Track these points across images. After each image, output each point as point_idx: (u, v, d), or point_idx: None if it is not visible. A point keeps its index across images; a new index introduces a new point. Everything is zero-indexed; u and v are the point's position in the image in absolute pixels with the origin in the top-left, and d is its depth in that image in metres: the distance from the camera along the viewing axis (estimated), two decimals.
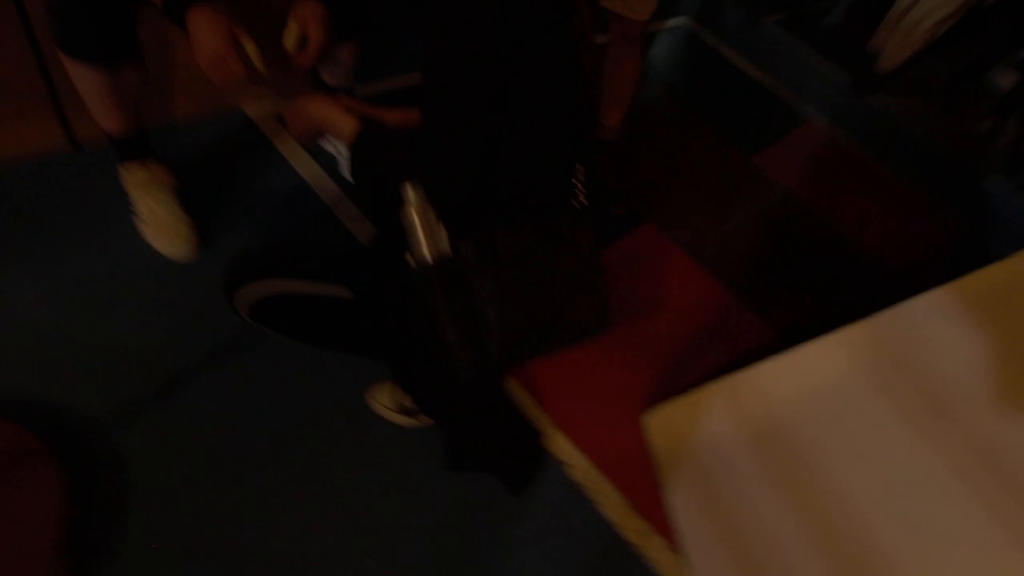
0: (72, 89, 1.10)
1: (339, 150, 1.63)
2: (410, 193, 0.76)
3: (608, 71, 1.65)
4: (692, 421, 1.25)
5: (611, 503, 1.25)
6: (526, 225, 0.80)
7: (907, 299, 0.91)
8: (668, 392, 1.38)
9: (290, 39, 0.99)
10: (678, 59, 2.76)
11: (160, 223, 1.26)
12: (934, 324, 0.88)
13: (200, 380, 1.15)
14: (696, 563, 1.18)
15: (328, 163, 1.62)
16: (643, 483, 1.29)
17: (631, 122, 1.79)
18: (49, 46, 1.14)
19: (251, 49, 0.94)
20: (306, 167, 1.59)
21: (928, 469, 0.84)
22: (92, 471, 1.01)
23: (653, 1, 1.50)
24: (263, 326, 1.02)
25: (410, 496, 1.15)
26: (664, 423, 1.33)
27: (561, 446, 1.30)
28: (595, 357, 1.49)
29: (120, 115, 1.16)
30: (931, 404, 0.86)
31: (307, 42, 0.99)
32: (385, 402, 1.20)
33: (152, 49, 1.35)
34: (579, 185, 0.85)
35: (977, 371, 0.81)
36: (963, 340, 0.84)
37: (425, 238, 0.76)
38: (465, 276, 0.76)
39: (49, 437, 0.98)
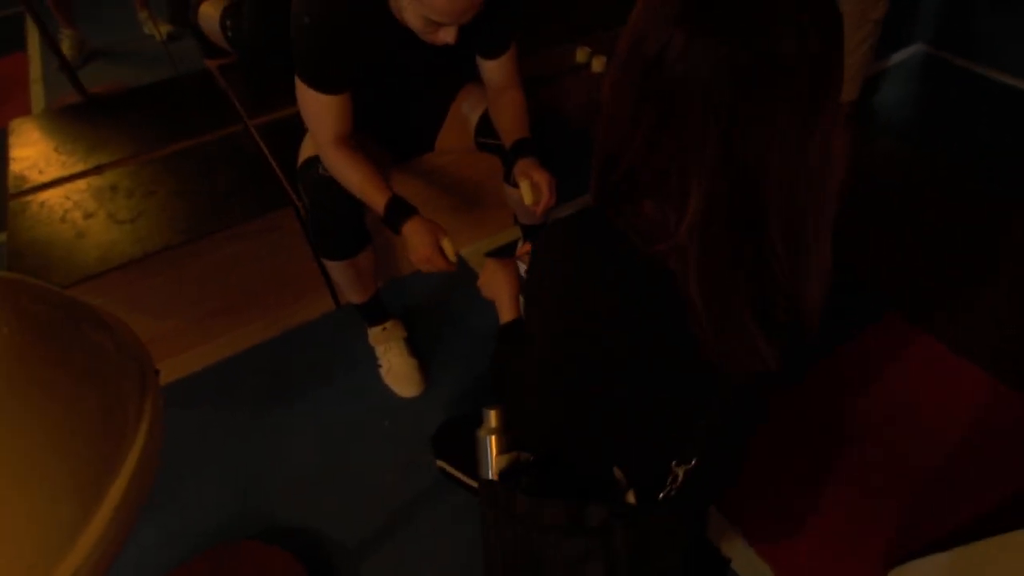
0: None
1: None
2: (491, 419, 0.79)
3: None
4: None
5: None
6: (555, 500, 0.71)
7: None
8: (925, 537, 1.14)
9: (528, 196, 1.23)
10: (913, 98, 2.38)
11: (396, 372, 1.53)
12: None
13: (427, 509, 1.34)
14: None
15: None
16: None
17: (857, 187, 1.60)
18: None
19: (448, 248, 1.17)
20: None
21: None
22: None
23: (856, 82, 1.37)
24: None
25: None
26: None
27: None
28: (829, 483, 1.30)
29: (361, 288, 1.47)
30: None
31: (542, 194, 1.22)
32: None
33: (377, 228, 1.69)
34: (671, 480, 0.76)
35: None
36: None
37: (491, 464, 0.78)
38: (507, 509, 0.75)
39: (313, 565, 1.23)
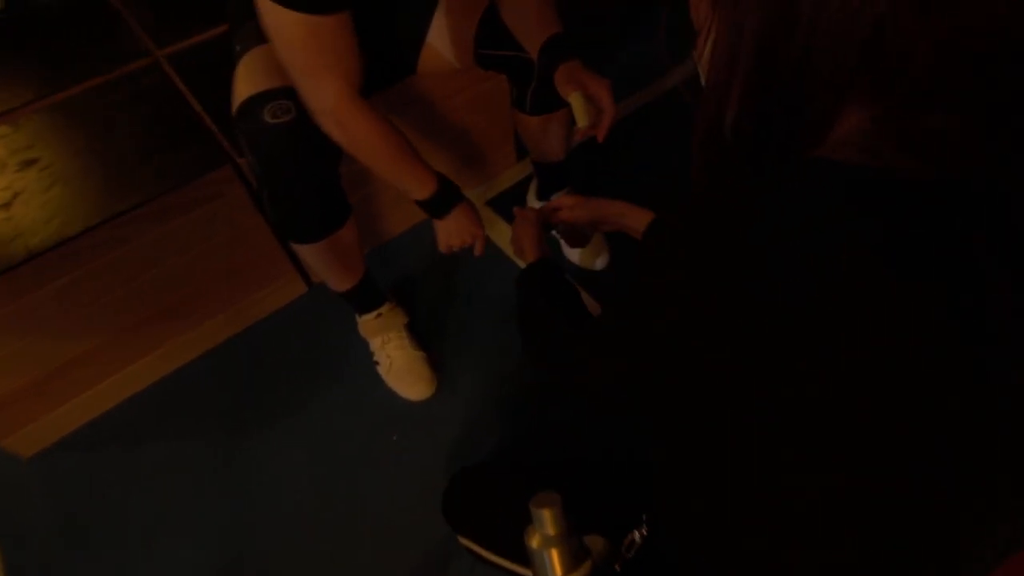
0: None
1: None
2: (546, 522, 0.53)
3: None
4: None
5: None
6: None
7: None
8: None
9: (583, 115, 0.90)
10: None
11: (399, 369, 1.20)
12: None
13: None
14: None
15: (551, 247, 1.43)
16: None
17: None
18: None
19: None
20: None
21: None
22: None
23: None
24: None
25: None
26: None
27: None
28: None
29: (345, 272, 1.11)
30: None
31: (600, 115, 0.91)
32: None
33: (354, 182, 1.30)
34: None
35: None
36: None
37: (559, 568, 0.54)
38: None
39: None
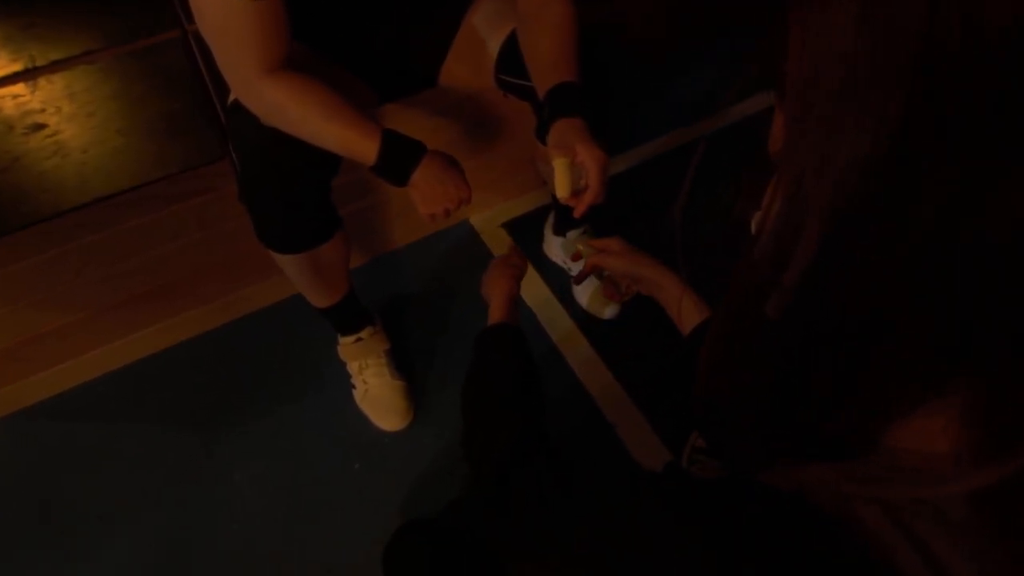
0: None
1: (571, 267, 1.33)
2: None
3: None
4: None
5: None
6: None
7: None
8: None
9: (563, 184, 0.80)
10: None
11: (374, 397, 1.13)
12: None
13: None
14: None
15: (560, 284, 1.34)
16: None
17: None
18: None
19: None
20: (532, 290, 1.33)
21: None
22: None
23: None
24: None
25: None
26: None
27: None
28: None
29: (325, 289, 1.04)
30: None
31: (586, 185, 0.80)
32: None
33: (351, 195, 1.23)
34: None
35: None
36: None
37: None
38: None
39: None
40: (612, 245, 0.76)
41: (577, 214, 0.80)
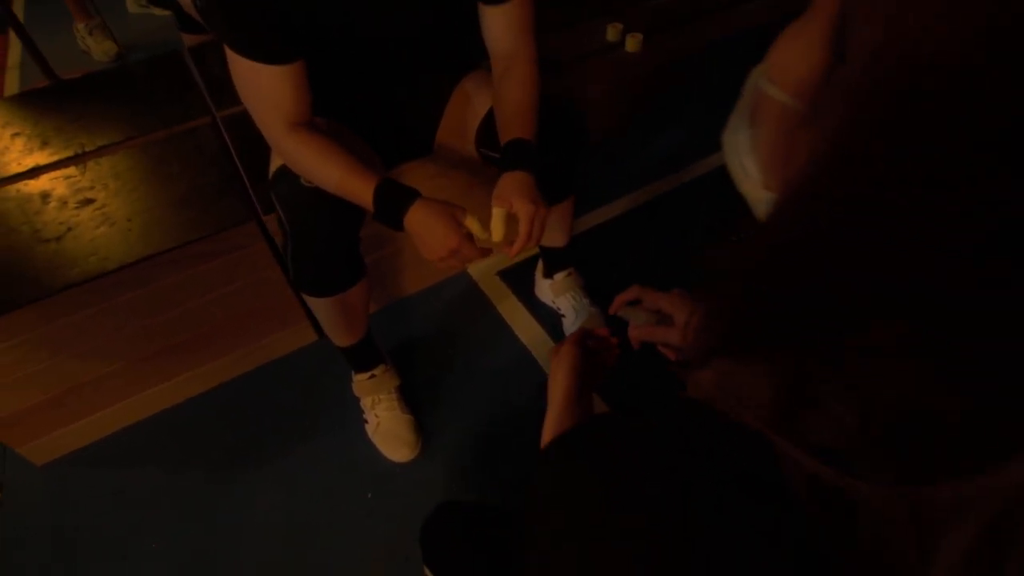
0: None
1: (559, 305, 1.45)
2: None
3: None
4: None
5: None
6: None
7: None
8: None
9: (496, 228, 0.89)
10: None
11: (385, 431, 1.24)
12: None
13: None
14: None
15: (551, 323, 1.46)
16: None
17: None
18: None
19: (475, 227, 0.89)
20: (527, 330, 1.45)
21: None
22: None
23: None
24: None
25: None
26: None
27: None
28: None
29: (348, 329, 1.18)
30: None
31: (515, 232, 0.89)
32: None
33: (377, 241, 1.38)
34: None
35: None
36: None
37: None
38: None
39: None
40: (636, 291, 0.73)
41: (510, 255, 0.91)
